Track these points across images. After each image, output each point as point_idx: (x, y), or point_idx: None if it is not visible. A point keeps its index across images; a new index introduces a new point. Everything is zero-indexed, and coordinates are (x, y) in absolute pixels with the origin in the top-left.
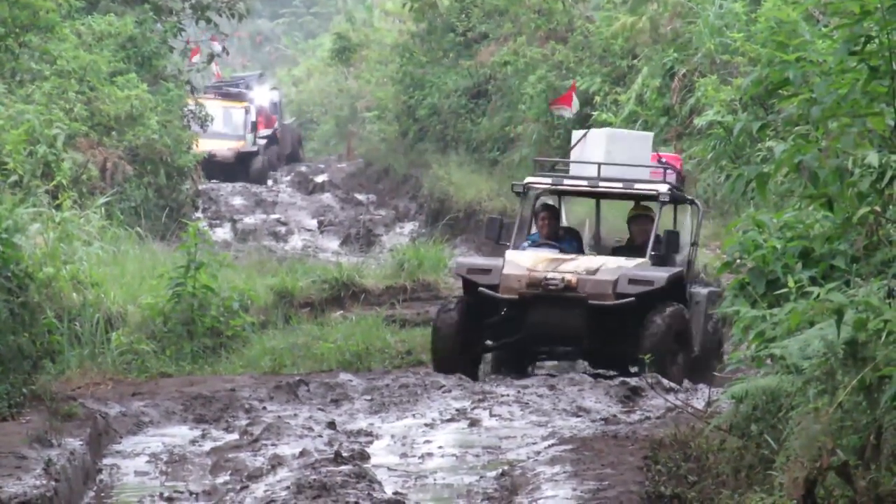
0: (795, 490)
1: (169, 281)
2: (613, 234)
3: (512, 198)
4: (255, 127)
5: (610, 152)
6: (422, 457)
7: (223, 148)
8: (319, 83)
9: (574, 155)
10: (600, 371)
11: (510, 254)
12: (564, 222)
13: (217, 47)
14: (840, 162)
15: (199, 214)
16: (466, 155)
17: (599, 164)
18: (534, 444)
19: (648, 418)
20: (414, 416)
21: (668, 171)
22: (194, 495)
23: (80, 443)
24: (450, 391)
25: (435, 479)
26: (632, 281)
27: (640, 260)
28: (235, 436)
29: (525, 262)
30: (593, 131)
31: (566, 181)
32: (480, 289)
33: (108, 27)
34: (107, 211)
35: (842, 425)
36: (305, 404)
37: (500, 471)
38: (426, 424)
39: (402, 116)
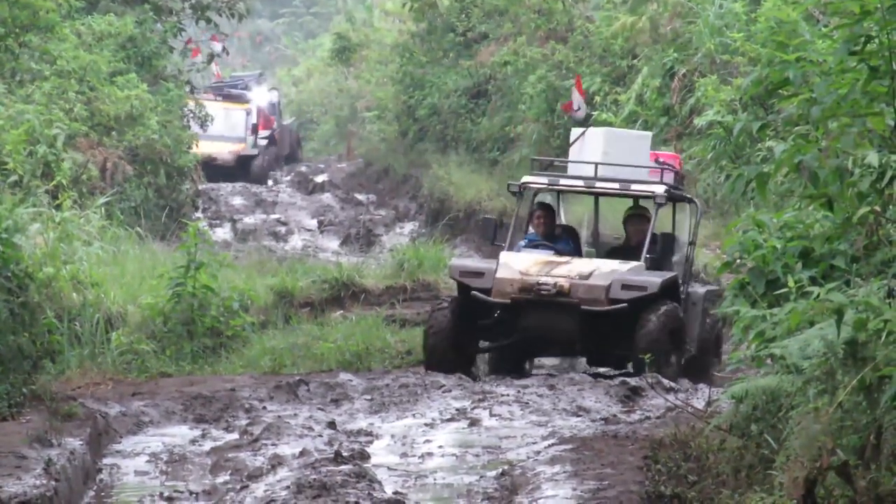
0: (795, 490)
1: (169, 281)
2: (612, 232)
3: (511, 198)
4: (255, 129)
5: (608, 152)
6: (422, 456)
7: (224, 151)
8: (319, 83)
9: (572, 154)
10: (600, 371)
11: (504, 256)
12: (563, 220)
13: (217, 47)
14: (840, 162)
15: (199, 214)
16: (466, 155)
17: (596, 164)
18: (534, 443)
19: (648, 418)
20: (414, 415)
21: (666, 170)
22: (194, 495)
23: (80, 443)
24: (450, 391)
25: (435, 479)
26: (625, 286)
27: (634, 263)
28: (235, 435)
29: (518, 265)
30: (591, 130)
31: (562, 181)
32: (473, 292)
33: (108, 27)
34: (107, 211)
35: (842, 425)
36: (305, 404)
37: (500, 470)
38: (426, 424)
39: (402, 116)
